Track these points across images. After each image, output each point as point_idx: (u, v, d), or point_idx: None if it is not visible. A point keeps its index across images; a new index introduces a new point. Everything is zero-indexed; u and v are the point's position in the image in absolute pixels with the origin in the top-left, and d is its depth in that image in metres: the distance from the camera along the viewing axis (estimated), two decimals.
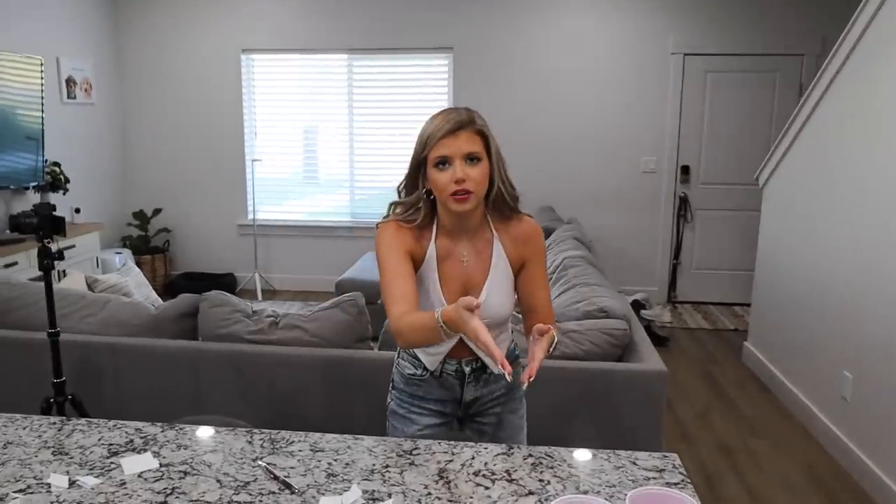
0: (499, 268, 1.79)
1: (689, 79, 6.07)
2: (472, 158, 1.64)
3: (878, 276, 3.15)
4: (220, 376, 2.73)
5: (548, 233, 4.78)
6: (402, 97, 6.40)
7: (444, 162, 1.63)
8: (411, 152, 1.73)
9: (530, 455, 1.56)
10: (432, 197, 1.72)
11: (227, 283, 6.39)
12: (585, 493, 1.39)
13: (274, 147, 6.66)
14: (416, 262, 1.77)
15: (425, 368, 1.87)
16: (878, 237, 3.16)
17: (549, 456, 1.55)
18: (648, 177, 6.25)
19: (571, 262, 3.72)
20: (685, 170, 6.20)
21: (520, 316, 2.71)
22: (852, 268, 3.39)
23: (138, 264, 5.90)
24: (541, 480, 1.44)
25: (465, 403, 1.90)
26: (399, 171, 1.80)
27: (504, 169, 1.74)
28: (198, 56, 6.47)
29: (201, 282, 6.16)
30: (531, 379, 1.49)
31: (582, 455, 1.56)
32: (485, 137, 1.67)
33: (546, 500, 1.35)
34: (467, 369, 1.86)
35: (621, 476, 1.46)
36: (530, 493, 1.39)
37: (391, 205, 1.80)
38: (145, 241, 6.53)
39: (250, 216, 6.59)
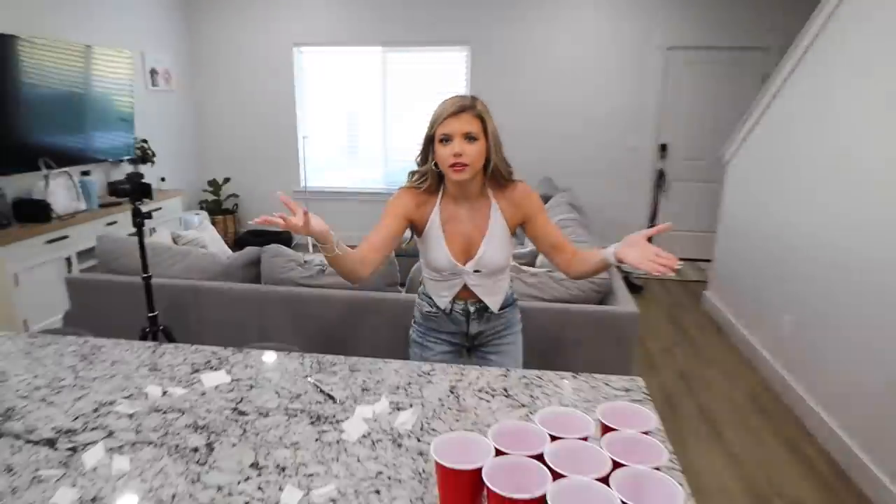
0: (495, 227, 1.80)
1: (670, 69, 5.92)
2: (470, 137, 1.64)
3: (817, 239, 3.13)
4: (279, 312, 2.79)
5: (546, 199, 4.77)
6: (427, 84, 6.31)
7: (446, 139, 1.64)
8: None
9: (524, 377, 1.59)
10: (439, 169, 1.73)
11: (284, 238, 6.41)
12: (567, 406, 1.43)
13: (321, 126, 6.63)
14: (421, 223, 1.80)
15: (438, 307, 1.91)
16: (820, 208, 3.14)
17: (539, 378, 1.58)
18: (632, 153, 6.16)
19: (565, 223, 3.72)
20: (663, 147, 6.10)
21: (523, 267, 2.76)
22: (797, 232, 3.37)
23: (212, 223, 6.00)
24: (531, 396, 1.48)
25: (471, 336, 1.94)
26: None
27: (500, 148, 1.73)
28: (257, 50, 6.43)
29: (263, 237, 6.23)
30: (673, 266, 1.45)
31: (565, 377, 1.58)
32: (483, 121, 1.66)
33: (534, 411, 1.38)
34: (472, 309, 1.89)
35: (596, 394, 1.49)
36: (522, 405, 1.43)
37: (410, 173, 1.82)
38: (218, 204, 6.59)
39: (302, 184, 6.63)
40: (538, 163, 6.06)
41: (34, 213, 4.06)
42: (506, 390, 1.51)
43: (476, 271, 1.82)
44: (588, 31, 5.94)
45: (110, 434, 1.29)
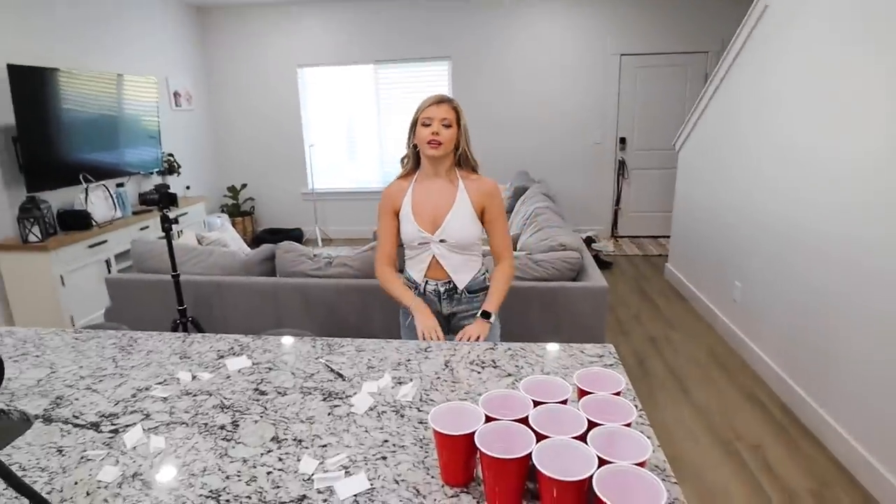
0: (461, 203, 1.80)
1: (624, 73, 5.89)
2: (446, 123, 1.74)
3: (759, 214, 3.12)
4: (292, 301, 2.76)
5: (523, 190, 4.74)
6: (415, 94, 6.23)
7: (428, 122, 1.74)
8: None
9: (509, 349, 1.57)
10: (417, 150, 1.82)
11: (295, 235, 6.40)
12: (547, 374, 1.41)
13: (323, 135, 6.56)
14: (399, 205, 1.85)
15: (415, 283, 1.88)
16: (759, 186, 3.13)
17: (523, 349, 1.56)
18: (596, 146, 6.13)
19: (540, 210, 3.70)
20: (623, 140, 6.08)
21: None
22: (740, 209, 3.36)
23: (232, 224, 5.94)
24: (516, 366, 1.46)
25: (446, 316, 1.90)
26: None
27: (468, 139, 1.81)
28: (266, 71, 6.34)
29: (277, 235, 6.19)
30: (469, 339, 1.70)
31: (546, 348, 1.57)
32: (457, 113, 1.77)
33: (519, 379, 1.36)
34: (441, 289, 1.85)
35: (572, 361, 1.47)
36: (509, 374, 1.41)
37: (401, 159, 1.90)
38: (237, 207, 6.53)
39: (310, 186, 6.57)
40: (515, 157, 6.03)
41: (76, 221, 4.02)
42: (494, 362, 1.49)
43: (442, 241, 1.80)
44: (552, 43, 5.89)
45: (147, 416, 1.27)
